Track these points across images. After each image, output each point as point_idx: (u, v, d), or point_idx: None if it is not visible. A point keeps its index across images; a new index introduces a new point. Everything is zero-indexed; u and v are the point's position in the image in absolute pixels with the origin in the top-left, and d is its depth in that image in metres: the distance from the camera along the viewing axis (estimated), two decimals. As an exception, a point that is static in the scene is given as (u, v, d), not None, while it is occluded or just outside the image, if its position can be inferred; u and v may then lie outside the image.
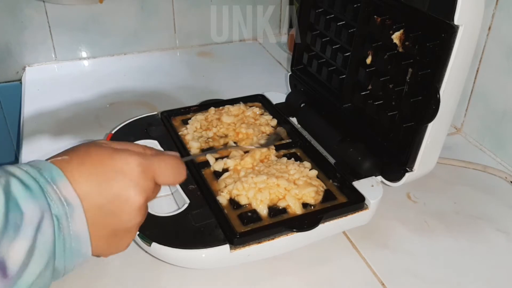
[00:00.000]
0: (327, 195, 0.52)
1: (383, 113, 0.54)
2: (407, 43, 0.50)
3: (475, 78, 0.68)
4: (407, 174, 0.52)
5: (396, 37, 0.51)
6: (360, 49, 0.56)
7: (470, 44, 0.46)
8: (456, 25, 0.44)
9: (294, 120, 0.67)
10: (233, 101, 0.68)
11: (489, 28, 0.65)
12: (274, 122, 0.65)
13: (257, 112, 0.66)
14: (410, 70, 0.50)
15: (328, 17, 0.61)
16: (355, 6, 0.56)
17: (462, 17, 0.44)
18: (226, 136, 0.61)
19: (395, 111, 0.53)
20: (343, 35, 0.59)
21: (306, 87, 0.68)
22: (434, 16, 0.46)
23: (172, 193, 0.58)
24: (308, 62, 0.68)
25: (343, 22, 0.60)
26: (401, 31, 0.50)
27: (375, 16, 0.53)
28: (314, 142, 0.62)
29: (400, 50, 0.51)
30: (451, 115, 0.51)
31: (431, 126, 0.49)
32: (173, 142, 0.59)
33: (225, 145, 0.58)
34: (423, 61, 0.48)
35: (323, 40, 0.64)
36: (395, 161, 0.53)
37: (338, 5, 0.59)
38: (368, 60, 0.55)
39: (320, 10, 0.63)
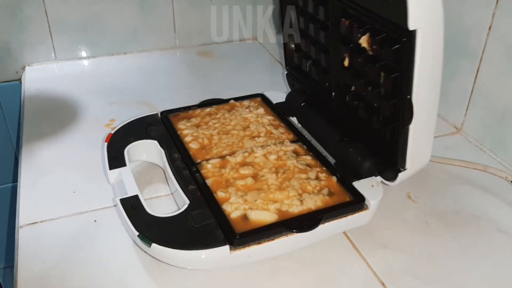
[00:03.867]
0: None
1: (368, 114, 0.54)
2: (374, 46, 0.49)
3: (476, 77, 0.68)
4: (400, 174, 0.52)
5: (363, 40, 0.50)
6: (337, 51, 0.56)
7: (435, 46, 0.45)
8: (412, 29, 0.42)
9: (294, 119, 0.67)
10: (233, 101, 0.68)
11: (489, 28, 0.65)
12: (275, 122, 0.65)
13: (258, 113, 0.66)
14: (382, 73, 0.49)
15: (306, 17, 0.60)
16: (325, 7, 0.55)
17: (417, 22, 0.42)
18: (226, 135, 0.61)
19: (378, 112, 0.53)
20: (321, 36, 0.58)
21: (302, 86, 0.67)
22: (392, 21, 0.44)
23: (172, 194, 0.58)
24: (298, 61, 0.67)
25: (320, 23, 0.58)
26: (367, 34, 0.49)
27: (343, 19, 0.52)
28: (314, 142, 0.62)
29: (370, 53, 0.50)
30: (434, 114, 0.50)
31: (412, 128, 0.48)
32: (173, 142, 0.59)
33: None
34: (391, 64, 0.48)
35: (307, 39, 0.63)
36: (387, 161, 0.53)
37: (311, 6, 0.58)
38: (346, 62, 0.55)
39: (299, 9, 0.62)
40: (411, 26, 0.42)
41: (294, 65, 0.69)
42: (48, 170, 0.62)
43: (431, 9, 0.43)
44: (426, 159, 0.53)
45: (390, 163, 0.52)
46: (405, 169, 0.52)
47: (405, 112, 0.47)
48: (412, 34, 0.42)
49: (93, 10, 0.88)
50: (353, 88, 0.56)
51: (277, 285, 0.48)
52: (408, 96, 0.46)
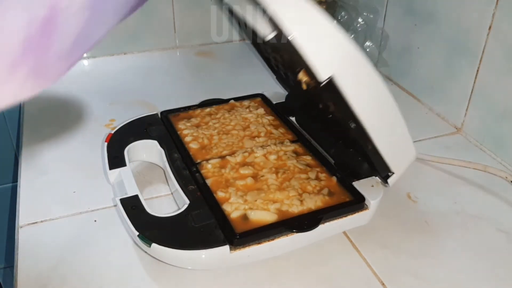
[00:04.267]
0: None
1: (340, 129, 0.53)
2: (312, 80, 0.48)
3: (475, 77, 0.68)
4: (389, 179, 0.52)
5: (301, 75, 0.48)
6: (294, 75, 0.55)
7: (364, 79, 0.43)
8: (325, 79, 0.40)
9: (293, 119, 0.67)
10: (233, 101, 0.68)
11: (489, 28, 0.65)
12: (275, 122, 0.65)
13: (258, 113, 0.66)
14: (330, 103, 0.48)
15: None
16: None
17: (328, 70, 0.40)
18: (226, 135, 0.61)
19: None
20: (277, 58, 0.57)
21: (290, 91, 0.67)
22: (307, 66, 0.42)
23: (172, 194, 0.58)
24: (277, 69, 0.67)
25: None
26: (303, 70, 0.48)
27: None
28: (314, 142, 0.62)
29: (312, 85, 0.49)
30: (397, 122, 0.48)
31: (378, 143, 0.47)
32: (173, 142, 0.59)
33: None
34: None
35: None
36: (373, 168, 0.53)
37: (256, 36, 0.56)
38: (304, 86, 0.54)
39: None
40: (322, 77, 0.40)
41: (276, 71, 0.69)
42: (48, 170, 0.62)
43: (342, 52, 0.40)
44: (411, 156, 0.52)
45: (375, 170, 0.52)
46: (392, 173, 0.52)
47: (361, 137, 0.46)
48: (328, 82, 0.41)
49: (93, 10, 0.88)
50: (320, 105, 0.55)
51: (277, 285, 0.48)
52: (354, 125, 0.44)
